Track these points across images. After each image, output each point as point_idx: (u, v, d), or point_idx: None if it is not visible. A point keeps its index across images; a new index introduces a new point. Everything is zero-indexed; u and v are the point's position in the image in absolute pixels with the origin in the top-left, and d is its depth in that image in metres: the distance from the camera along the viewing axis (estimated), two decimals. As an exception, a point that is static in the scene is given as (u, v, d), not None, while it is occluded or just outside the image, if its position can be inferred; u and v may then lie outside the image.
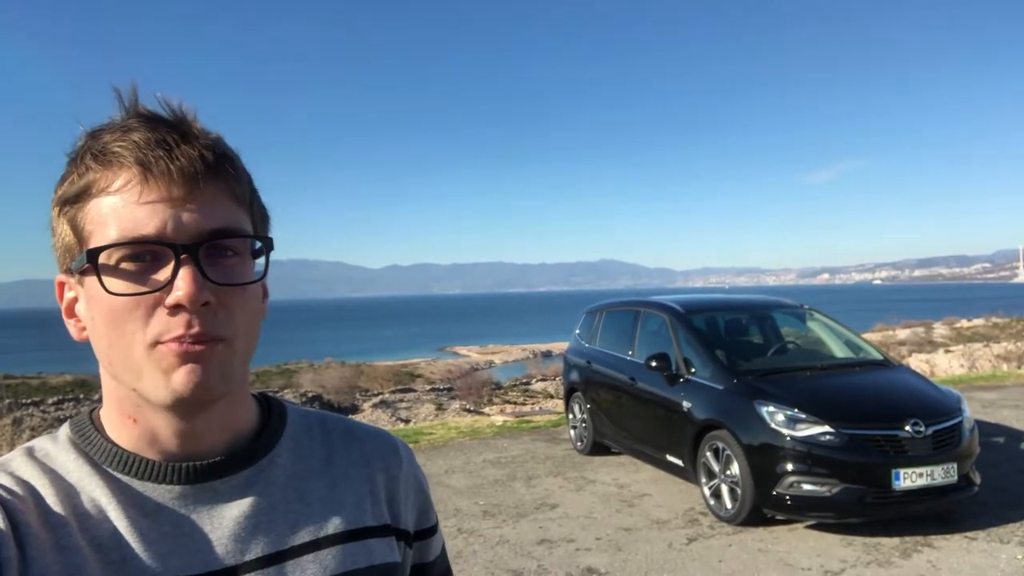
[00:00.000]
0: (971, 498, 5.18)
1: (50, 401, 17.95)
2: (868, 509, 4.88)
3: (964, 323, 31.87)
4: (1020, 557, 4.57)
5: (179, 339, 0.63)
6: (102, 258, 0.64)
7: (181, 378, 0.64)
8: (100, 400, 0.74)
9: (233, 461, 0.72)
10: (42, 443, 0.71)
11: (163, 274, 0.64)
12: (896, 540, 4.89)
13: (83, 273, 0.66)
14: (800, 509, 4.98)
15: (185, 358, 0.64)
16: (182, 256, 0.63)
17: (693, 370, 5.98)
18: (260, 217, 0.73)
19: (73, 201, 0.66)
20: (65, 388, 23.20)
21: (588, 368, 7.61)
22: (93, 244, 0.64)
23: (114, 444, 0.69)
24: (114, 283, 0.64)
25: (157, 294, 0.63)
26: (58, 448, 0.70)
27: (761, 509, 5.10)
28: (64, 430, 0.72)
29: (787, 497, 4.94)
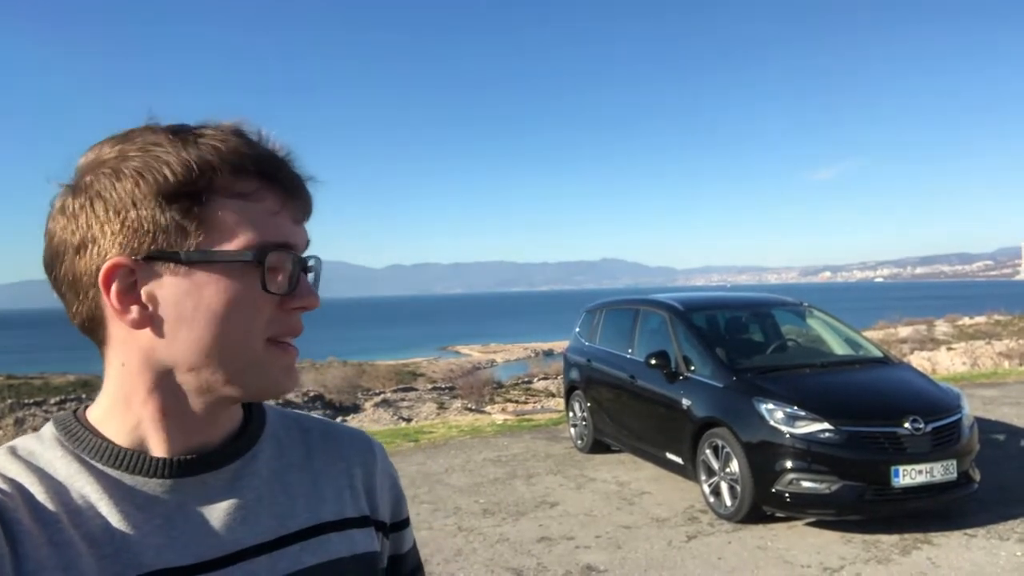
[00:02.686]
0: (971, 495, 5.17)
1: (52, 401, 18.00)
2: (867, 506, 4.88)
3: (966, 321, 31.84)
4: (1020, 554, 4.57)
5: (292, 331, 0.72)
6: (270, 259, 0.69)
7: (290, 379, 0.72)
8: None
9: (221, 455, 0.74)
10: (24, 442, 0.71)
11: (286, 279, 0.71)
12: (895, 537, 4.89)
13: (202, 264, 0.67)
14: (799, 506, 4.98)
15: (292, 360, 0.73)
16: (309, 266, 0.74)
17: (693, 368, 5.98)
18: None
19: (190, 192, 0.67)
20: (67, 388, 23.24)
21: (588, 366, 7.61)
22: (228, 243, 0.68)
23: (103, 439, 0.70)
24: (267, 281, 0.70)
25: (282, 296, 0.71)
26: (43, 446, 0.70)
27: (760, 506, 5.10)
28: (48, 428, 0.72)
29: (786, 494, 4.95)
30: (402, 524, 0.91)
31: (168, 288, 0.67)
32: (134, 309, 0.67)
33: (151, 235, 0.67)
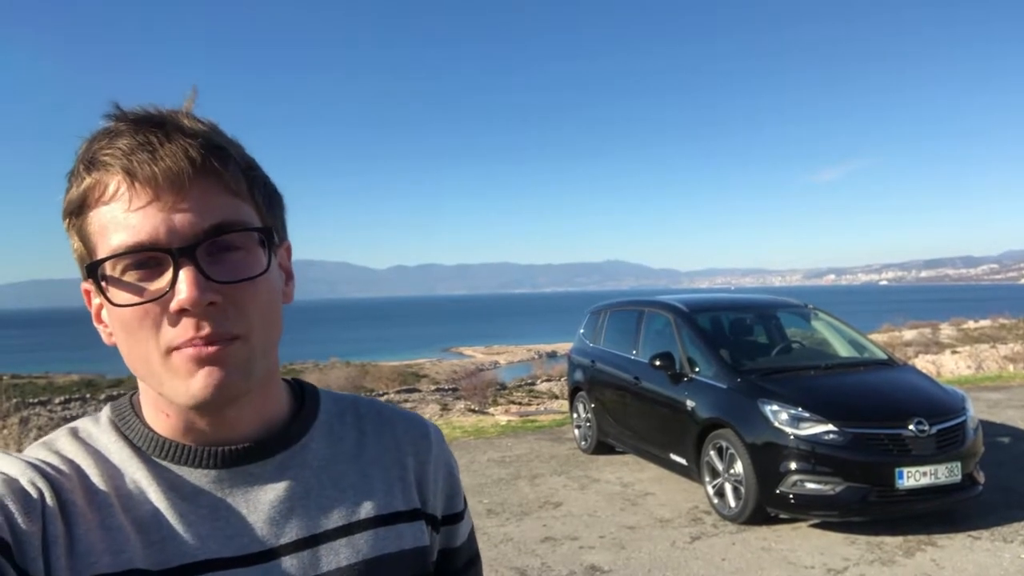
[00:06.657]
0: (975, 497, 5.16)
1: (56, 401, 18.07)
2: (872, 508, 4.88)
3: (971, 324, 31.77)
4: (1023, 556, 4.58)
5: (191, 342, 0.63)
6: (107, 270, 0.63)
7: (200, 383, 0.64)
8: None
9: (267, 446, 0.73)
10: (85, 424, 0.72)
11: (164, 280, 0.63)
12: (899, 539, 4.89)
13: (92, 284, 0.66)
14: (804, 508, 4.98)
15: (201, 362, 0.63)
16: (179, 259, 0.62)
17: (697, 369, 5.99)
18: (266, 203, 0.71)
19: (76, 213, 0.66)
20: (71, 388, 23.31)
21: (592, 367, 7.62)
22: (97, 256, 0.64)
23: (151, 430, 0.70)
24: (119, 295, 0.63)
25: (163, 300, 0.63)
26: (100, 430, 0.71)
27: (765, 508, 5.10)
28: (106, 412, 0.73)
29: (791, 496, 4.95)
30: (455, 518, 0.88)
31: (105, 308, 0.67)
32: (100, 328, 0.70)
33: (79, 259, 0.68)
